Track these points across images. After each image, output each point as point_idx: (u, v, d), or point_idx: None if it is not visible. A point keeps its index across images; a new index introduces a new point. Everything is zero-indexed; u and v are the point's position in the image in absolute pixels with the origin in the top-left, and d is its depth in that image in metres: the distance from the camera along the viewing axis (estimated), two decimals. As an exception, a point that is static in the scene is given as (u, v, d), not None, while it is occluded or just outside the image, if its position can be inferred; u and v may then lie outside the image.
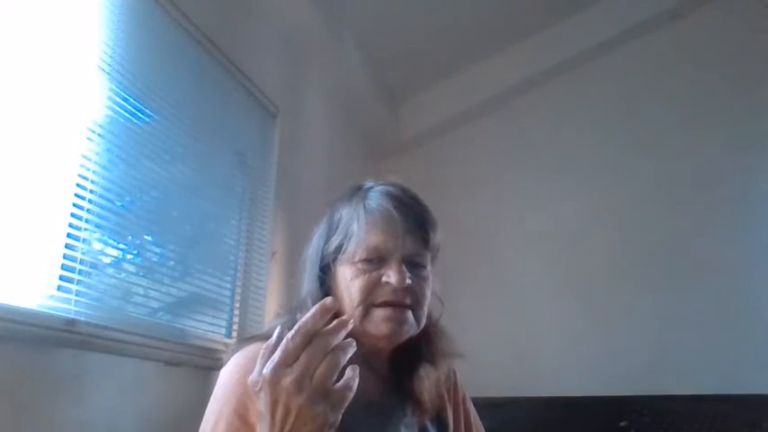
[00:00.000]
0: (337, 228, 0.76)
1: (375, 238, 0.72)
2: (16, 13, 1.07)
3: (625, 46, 2.76)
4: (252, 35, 1.96)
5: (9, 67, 1.04)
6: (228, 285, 1.72)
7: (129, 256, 1.40)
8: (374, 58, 2.65)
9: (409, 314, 0.73)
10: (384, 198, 0.75)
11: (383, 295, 0.71)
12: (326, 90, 2.52)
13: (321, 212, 0.82)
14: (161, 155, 1.46)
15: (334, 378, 0.53)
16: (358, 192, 0.79)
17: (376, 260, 0.72)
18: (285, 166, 2.05)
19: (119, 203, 1.30)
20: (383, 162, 3.08)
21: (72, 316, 1.10)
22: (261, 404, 0.53)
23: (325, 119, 2.53)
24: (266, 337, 0.57)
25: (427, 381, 0.77)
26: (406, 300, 0.72)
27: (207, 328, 1.58)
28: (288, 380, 0.51)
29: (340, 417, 0.53)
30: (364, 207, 0.75)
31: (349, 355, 0.53)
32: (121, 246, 1.35)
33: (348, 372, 0.54)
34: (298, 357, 0.52)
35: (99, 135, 1.24)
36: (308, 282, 0.77)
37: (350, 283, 0.72)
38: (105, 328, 1.18)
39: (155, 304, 1.44)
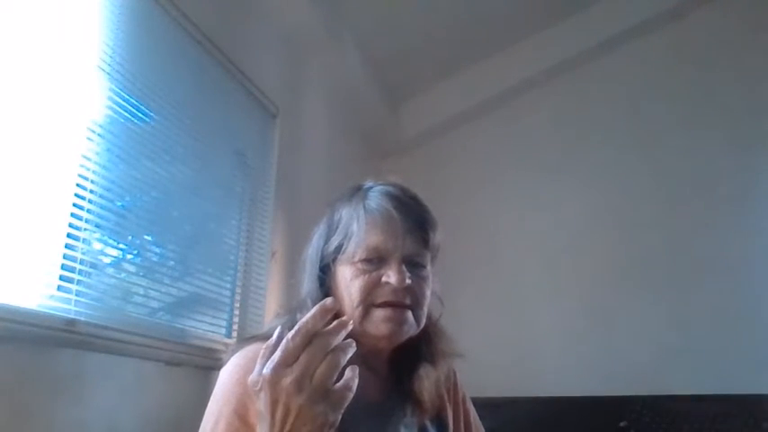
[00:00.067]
0: (337, 228, 0.76)
1: (375, 238, 0.72)
2: (16, 13, 1.07)
3: (625, 46, 2.76)
4: (252, 35, 1.96)
5: (9, 67, 1.04)
6: (228, 285, 1.72)
7: (129, 256, 1.40)
8: (374, 58, 2.65)
9: (409, 314, 0.73)
10: (384, 198, 0.75)
11: (383, 295, 0.71)
12: (326, 90, 2.52)
13: (321, 212, 0.82)
14: (161, 155, 1.46)
15: (334, 378, 0.53)
16: (358, 192, 0.79)
17: (376, 260, 0.72)
18: (285, 166, 2.05)
19: (119, 203, 1.30)
20: (383, 162, 3.08)
21: (72, 316, 1.10)
22: (261, 404, 0.53)
23: (325, 119, 2.53)
24: (266, 337, 0.57)
25: (427, 381, 0.77)
26: (406, 300, 0.72)
27: (207, 328, 1.58)
28: (288, 380, 0.51)
29: (340, 417, 0.53)
30: (364, 207, 0.75)
31: (349, 356, 0.54)
32: (121, 246, 1.35)
33: (348, 372, 0.54)
34: (298, 357, 0.52)
35: (99, 135, 1.24)
36: (308, 282, 0.77)
37: (350, 283, 0.72)
38: (105, 328, 1.18)
39: (155, 304, 1.44)
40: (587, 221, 2.65)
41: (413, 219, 0.74)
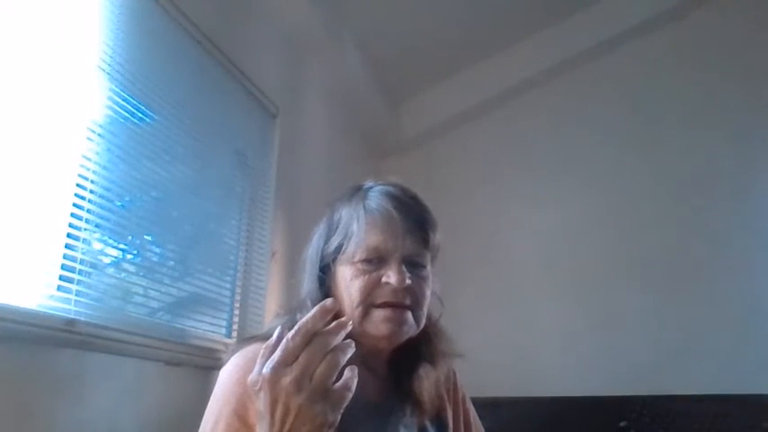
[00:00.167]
0: (337, 228, 0.76)
1: (375, 239, 0.72)
2: (16, 13, 1.07)
3: (625, 46, 2.76)
4: (252, 35, 1.96)
5: (9, 67, 1.05)
6: (228, 285, 1.72)
7: (129, 256, 1.40)
8: (374, 58, 2.65)
9: (409, 315, 0.73)
10: (384, 198, 0.75)
11: (383, 296, 0.71)
12: (326, 90, 2.52)
13: (321, 212, 0.82)
14: (161, 155, 1.46)
15: (334, 378, 0.53)
16: (358, 192, 0.79)
17: (376, 260, 0.72)
18: (285, 166, 2.05)
19: (119, 203, 1.30)
20: (383, 162, 3.09)
21: (72, 316, 1.10)
22: (260, 404, 0.53)
23: (325, 119, 2.53)
24: (266, 337, 0.57)
25: (427, 381, 0.77)
26: (406, 300, 0.72)
27: (207, 328, 1.58)
28: (287, 379, 0.51)
29: (339, 416, 0.53)
30: (364, 207, 0.75)
31: (348, 356, 0.54)
32: (121, 246, 1.35)
33: (347, 372, 0.54)
34: (297, 357, 0.52)
35: (99, 135, 1.24)
36: (308, 282, 0.77)
37: (350, 283, 0.72)
38: (105, 328, 1.18)
39: (155, 304, 1.44)
40: (587, 221, 2.65)
41: (413, 219, 0.74)
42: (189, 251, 1.58)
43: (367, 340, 0.72)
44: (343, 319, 0.55)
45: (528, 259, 2.72)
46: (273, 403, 0.51)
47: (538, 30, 2.77)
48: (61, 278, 1.11)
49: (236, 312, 1.73)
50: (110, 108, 1.29)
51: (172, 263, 1.52)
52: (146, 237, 1.43)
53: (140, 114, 1.41)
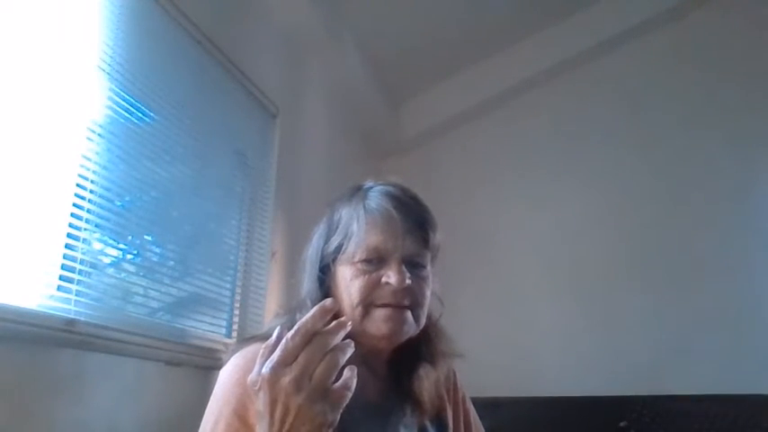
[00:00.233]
0: (337, 228, 0.76)
1: (375, 239, 0.72)
2: (16, 13, 1.07)
3: (625, 46, 2.76)
4: (252, 35, 1.96)
5: (9, 67, 1.05)
6: (228, 285, 1.72)
7: (129, 256, 1.40)
8: (374, 58, 2.65)
9: (409, 314, 0.73)
10: (384, 198, 0.75)
11: (383, 297, 0.71)
12: (326, 90, 2.52)
13: (321, 212, 0.82)
14: (161, 155, 1.46)
15: (333, 378, 0.53)
16: (358, 192, 0.79)
17: (376, 260, 0.72)
18: (285, 166, 2.05)
19: (119, 203, 1.30)
20: (383, 162, 3.09)
21: (72, 316, 1.10)
22: (260, 403, 0.53)
23: (325, 119, 2.53)
24: (266, 337, 0.57)
25: (427, 381, 0.77)
26: (406, 301, 0.72)
27: (207, 328, 1.58)
28: (287, 379, 0.51)
29: (338, 416, 0.53)
30: (364, 207, 0.75)
31: (348, 356, 0.54)
32: (121, 246, 1.35)
33: (346, 372, 0.54)
34: (297, 357, 0.52)
35: (99, 135, 1.24)
36: (308, 282, 0.77)
37: (349, 283, 0.72)
38: (105, 328, 1.18)
39: (155, 304, 1.44)
40: (587, 221, 2.65)
41: (413, 219, 0.74)
42: (189, 251, 1.58)
43: (367, 340, 0.72)
44: (342, 318, 0.55)
45: (528, 259, 2.72)
46: (273, 403, 0.52)
47: (538, 30, 2.78)
48: (61, 278, 1.11)
49: (236, 312, 1.73)
50: (110, 108, 1.29)
51: (172, 263, 1.52)
52: (146, 237, 1.43)
53: (140, 114, 1.41)
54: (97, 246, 1.25)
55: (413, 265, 0.74)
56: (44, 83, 1.12)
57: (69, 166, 1.16)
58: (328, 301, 0.55)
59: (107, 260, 1.30)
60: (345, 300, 0.72)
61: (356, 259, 0.72)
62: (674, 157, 2.57)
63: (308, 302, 0.74)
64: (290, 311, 0.76)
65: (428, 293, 0.76)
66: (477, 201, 2.88)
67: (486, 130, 3.01)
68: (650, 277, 2.46)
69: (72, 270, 1.13)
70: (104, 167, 1.24)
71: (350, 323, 0.55)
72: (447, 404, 0.83)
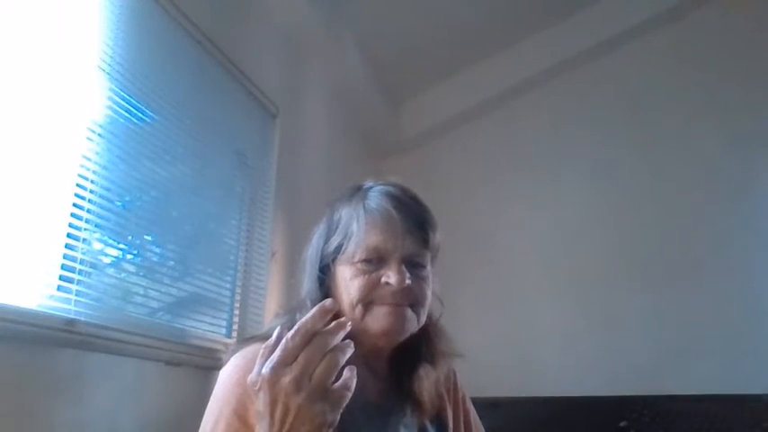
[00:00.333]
0: (337, 228, 0.76)
1: (375, 239, 0.72)
2: (16, 13, 1.07)
3: (625, 46, 2.76)
4: (252, 35, 1.96)
5: (9, 67, 1.05)
6: (228, 285, 1.72)
7: (129, 256, 1.40)
8: (374, 58, 2.65)
9: (409, 311, 0.73)
10: (384, 198, 0.75)
11: (382, 297, 0.71)
12: (326, 90, 2.52)
13: (321, 212, 0.82)
14: (161, 155, 1.46)
15: (333, 378, 0.53)
16: (358, 192, 0.79)
17: (375, 260, 0.72)
18: (285, 166, 2.05)
19: (119, 203, 1.30)
20: (383, 162, 3.09)
21: (72, 316, 1.10)
22: (260, 403, 0.53)
23: (325, 119, 2.53)
24: (266, 337, 0.57)
25: (427, 381, 0.77)
26: (406, 302, 0.72)
27: (207, 328, 1.58)
28: (287, 379, 0.51)
29: (338, 416, 0.53)
30: (364, 207, 0.75)
31: (347, 356, 0.54)
32: (121, 246, 1.35)
33: (346, 372, 0.54)
34: (297, 357, 0.52)
35: (99, 135, 1.24)
36: (308, 282, 0.77)
37: (349, 283, 0.72)
38: (105, 328, 1.18)
39: (155, 304, 1.44)
40: (587, 221, 2.65)
41: (413, 219, 0.74)
42: (189, 251, 1.58)
43: (367, 339, 0.72)
44: (342, 319, 0.55)
45: (528, 259, 2.72)
46: (273, 403, 0.52)
47: (538, 30, 2.78)
48: (61, 278, 1.11)
49: (236, 312, 1.73)
50: (110, 108, 1.29)
51: (172, 263, 1.52)
52: (146, 237, 1.43)
53: (140, 114, 1.41)
54: (97, 246, 1.25)
55: (413, 265, 0.74)
56: (44, 83, 1.12)
57: (69, 166, 1.16)
58: (328, 301, 0.55)
59: (107, 260, 1.30)
60: (345, 300, 0.72)
61: (356, 259, 0.72)
62: (674, 157, 2.57)
63: (308, 302, 0.74)
64: (290, 311, 0.76)
65: (428, 293, 0.76)
66: (477, 201, 2.88)
67: (486, 130, 3.01)
68: (650, 277, 2.46)
69: (72, 270, 1.13)
70: (104, 167, 1.24)
71: (350, 323, 0.55)
72: (447, 404, 0.83)
